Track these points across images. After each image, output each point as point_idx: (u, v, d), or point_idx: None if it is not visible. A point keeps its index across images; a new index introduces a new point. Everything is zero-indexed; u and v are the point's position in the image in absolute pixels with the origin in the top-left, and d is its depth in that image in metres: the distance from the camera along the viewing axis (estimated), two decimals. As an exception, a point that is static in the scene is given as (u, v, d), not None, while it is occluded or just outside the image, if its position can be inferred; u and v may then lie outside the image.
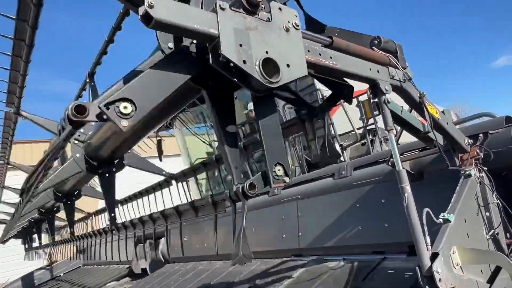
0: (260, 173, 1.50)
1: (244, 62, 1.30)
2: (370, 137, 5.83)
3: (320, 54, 1.59)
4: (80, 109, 1.15)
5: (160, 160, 6.55)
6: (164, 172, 5.12)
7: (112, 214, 3.88)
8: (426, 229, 1.70)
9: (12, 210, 7.43)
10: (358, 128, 5.25)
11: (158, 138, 7.28)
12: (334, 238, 3.09)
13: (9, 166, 6.18)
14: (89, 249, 8.98)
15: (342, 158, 5.38)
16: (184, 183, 5.16)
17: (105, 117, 1.17)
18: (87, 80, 2.88)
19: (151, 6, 1.11)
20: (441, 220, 1.85)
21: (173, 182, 5.25)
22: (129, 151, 3.89)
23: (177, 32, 1.28)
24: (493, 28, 58.12)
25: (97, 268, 8.41)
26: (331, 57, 1.63)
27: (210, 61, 1.32)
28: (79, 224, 9.40)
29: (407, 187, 1.72)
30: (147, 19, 1.13)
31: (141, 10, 1.13)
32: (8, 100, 2.87)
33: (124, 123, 1.18)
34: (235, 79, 1.37)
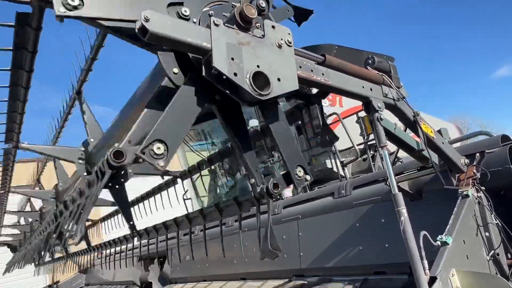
0: (281, 173, 1.60)
1: (235, 74, 1.36)
2: (372, 152, 5.84)
3: (312, 70, 1.65)
4: (119, 155, 1.26)
5: (162, 178, 6.56)
6: (169, 172, 5.11)
7: (131, 222, 3.88)
8: (423, 253, 1.70)
9: (12, 231, 7.44)
10: (358, 144, 5.26)
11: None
12: (336, 258, 3.07)
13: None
14: (92, 267, 8.90)
15: (342, 174, 5.38)
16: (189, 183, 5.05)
17: (140, 160, 1.25)
18: (75, 97, 2.93)
19: (146, 20, 1.19)
20: (439, 242, 1.84)
21: (179, 180, 5.23)
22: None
23: (172, 45, 1.33)
24: (493, 39, 58.53)
25: (100, 288, 8.32)
26: (323, 74, 1.69)
27: (203, 73, 1.38)
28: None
29: (403, 211, 1.72)
30: (143, 32, 1.20)
31: (137, 23, 1.20)
32: (7, 138, 2.91)
33: (161, 163, 1.26)
34: (227, 91, 1.42)
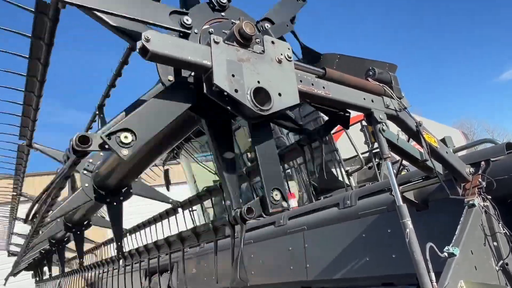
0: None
1: (236, 91, 1.38)
2: (377, 160, 5.81)
3: (312, 84, 1.66)
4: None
5: (168, 189, 6.58)
6: (170, 200, 5.14)
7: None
8: (430, 265, 1.68)
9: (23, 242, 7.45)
10: (363, 153, 5.24)
11: (166, 168, 7.34)
12: (343, 270, 3.03)
13: (21, 199, 6.28)
14: (99, 282, 8.89)
15: (348, 183, 5.35)
16: (192, 211, 5.14)
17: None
18: (97, 112, 2.99)
19: (147, 40, 1.21)
20: (446, 254, 1.82)
21: (180, 210, 5.27)
22: (137, 180, 3.97)
23: (172, 63, 1.37)
24: (498, 42, 58.40)
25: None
26: (323, 87, 1.69)
27: (205, 90, 1.40)
28: (88, 255, 9.35)
29: (409, 222, 1.71)
30: (144, 51, 1.22)
31: (138, 43, 1.23)
32: (21, 133, 2.99)
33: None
34: (228, 107, 1.45)
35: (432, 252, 1.81)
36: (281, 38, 2.24)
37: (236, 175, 1.66)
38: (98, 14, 1.47)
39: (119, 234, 3.56)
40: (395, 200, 2.66)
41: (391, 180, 1.77)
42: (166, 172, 7.54)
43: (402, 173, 4.47)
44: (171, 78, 1.61)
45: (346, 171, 5.10)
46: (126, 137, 1.27)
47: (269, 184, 1.54)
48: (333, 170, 5.94)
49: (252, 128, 1.61)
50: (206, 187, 5.39)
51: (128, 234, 6.79)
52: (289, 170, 6.20)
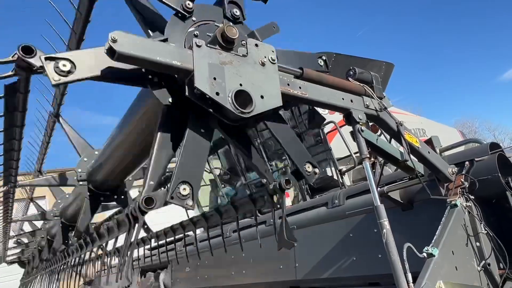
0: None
1: (217, 93, 1.39)
2: (372, 159, 5.80)
3: (288, 84, 1.66)
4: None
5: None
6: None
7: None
8: (407, 266, 1.68)
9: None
10: (356, 152, 5.23)
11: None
12: (330, 270, 3.03)
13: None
14: (98, 279, 8.91)
15: (342, 181, 5.35)
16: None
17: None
18: (55, 120, 2.97)
19: (114, 41, 1.21)
20: (424, 254, 1.82)
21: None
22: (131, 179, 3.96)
23: (143, 65, 1.36)
24: (500, 42, 58.12)
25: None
26: (300, 87, 1.69)
27: (187, 93, 1.41)
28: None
29: (386, 223, 1.71)
30: (111, 52, 1.23)
31: (106, 44, 1.23)
32: (5, 181, 3.01)
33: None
34: (210, 110, 1.45)
35: (411, 252, 1.81)
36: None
37: (259, 156, 1.77)
38: None
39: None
40: (383, 199, 2.68)
41: (369, 180, 1.77)
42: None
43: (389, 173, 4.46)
44: (171, 99, 1.56)
45: (339, 170, 5.09)
46: (184, 189, 1.35)
47: (299, 159, 1.67)
48: (328, 169, 5.94)
49: (267, 118, 1.66)
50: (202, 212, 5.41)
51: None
52: (283, 169, 6.20)
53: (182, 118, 1.52)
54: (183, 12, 1.63)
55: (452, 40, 63.23)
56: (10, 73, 1.44)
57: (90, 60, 1.32)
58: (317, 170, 1.68)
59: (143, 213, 1.40)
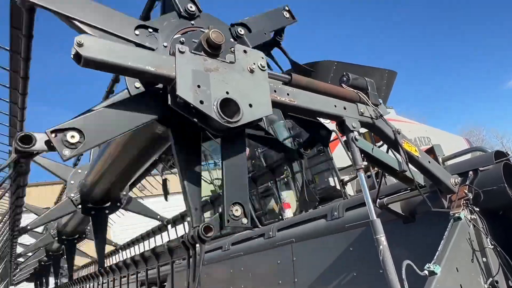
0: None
1: (201, 102, 1.31)
2: (375, 169, 5.65)
3: (275, 91, 1.56)
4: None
5: (166, 199, 6.51)
6: (158, 216, 5.04)
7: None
8: (406, 285, 1.56)
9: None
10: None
11: (164, 178, 7.26)
12: (331, 285, 2.90)
13: (24, 210, 6.29)
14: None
15: (344, 191, 5.21)
16: (181, 227, 5.07)
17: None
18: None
19: (80, 45, 1.13)
20: (426, 272, 1.69)
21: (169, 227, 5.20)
22: (126, 193, 3.92)
23: (113, 70, 1.28)
24: (505, 49, 57.71)
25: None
26: (288, 94, 1.59)
27: (169, 102, 1.33)
28: (87, 269, 9.29)
29: (382, 239, 1.60)
30: (77, 57, 1.15)
31: (72, 49, 1.15)
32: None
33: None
34: (195, 119, 1.37)
35: (412, 270, 1.68)
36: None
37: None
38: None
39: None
40: (382, 212, 2.55)
41: (364, 193, 1.66)
42: (164, 182, 7.46)
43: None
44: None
45: (341, 181, 4.95)
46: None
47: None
48: (331, 179, 5.81)
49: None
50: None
51: (121, 250, 6.71)
52: (285, 179, 6.09)
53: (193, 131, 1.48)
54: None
55: (458, 47, 63.04)
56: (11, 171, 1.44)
57: (98, 126, 1.27)
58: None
59: (203, 241, 1.39)
